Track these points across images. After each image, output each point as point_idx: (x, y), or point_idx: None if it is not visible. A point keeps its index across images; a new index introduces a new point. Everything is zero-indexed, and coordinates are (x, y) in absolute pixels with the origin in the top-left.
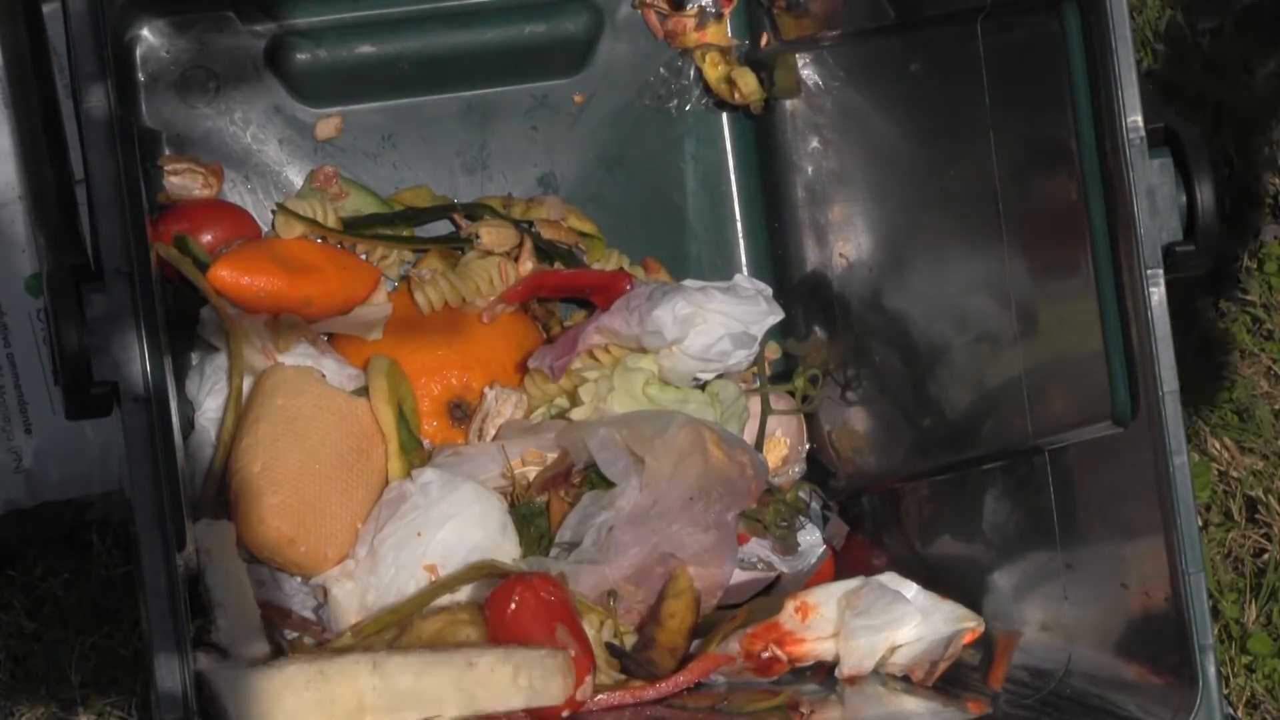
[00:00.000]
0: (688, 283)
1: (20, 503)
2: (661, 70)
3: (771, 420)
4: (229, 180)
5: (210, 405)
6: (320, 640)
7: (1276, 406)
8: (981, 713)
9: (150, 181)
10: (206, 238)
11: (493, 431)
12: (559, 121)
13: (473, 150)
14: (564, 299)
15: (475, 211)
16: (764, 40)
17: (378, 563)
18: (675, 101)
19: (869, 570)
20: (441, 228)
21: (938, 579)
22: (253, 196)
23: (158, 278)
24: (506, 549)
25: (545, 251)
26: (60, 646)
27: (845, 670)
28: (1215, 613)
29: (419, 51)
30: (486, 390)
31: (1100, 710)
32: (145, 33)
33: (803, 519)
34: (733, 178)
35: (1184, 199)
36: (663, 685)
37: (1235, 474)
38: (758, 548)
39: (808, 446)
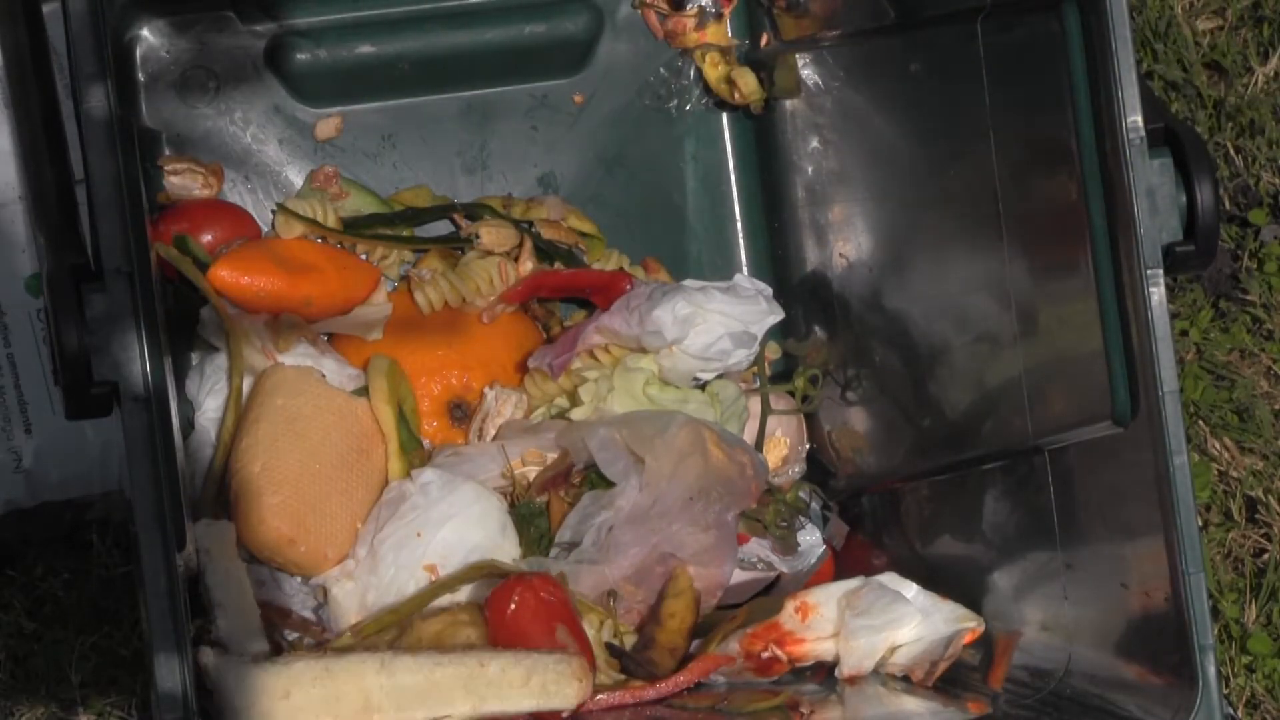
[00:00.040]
0: (688, 283)
1: (20, 503)
2: (661, 70)
3: (771, 420)
4: (229, 180)
5: (210, 405)
6: (320, 640)
7: (1276, 406)
8: (981, 713)
9: (150, 181)
10: (206, 238)
11: (493, 431)
12: (559, 121)
13: (473, 150)
14: (564, 299)
15: (475, 211)
16: (764, 40)
17: (378, 563)
18: (675, 101)
19: (869, 570)
20: (441, 228)
21: (938, 579)
22: (253, 196)
23: (158, 278)
24: (506, 549)
25: (545, 251)
26: (60, 646)
27: (845, 670)
28: (1215, 613)
29: (419, 51)
30: (486, 390)
31: (1100, 710)
32: (145, 33)
33: (803, 519)
34: (733, 178)
35: (1184, 199)
36: (663, 685)
37: (1235, 474)
38: (758, 548)
39: (808, 446)
